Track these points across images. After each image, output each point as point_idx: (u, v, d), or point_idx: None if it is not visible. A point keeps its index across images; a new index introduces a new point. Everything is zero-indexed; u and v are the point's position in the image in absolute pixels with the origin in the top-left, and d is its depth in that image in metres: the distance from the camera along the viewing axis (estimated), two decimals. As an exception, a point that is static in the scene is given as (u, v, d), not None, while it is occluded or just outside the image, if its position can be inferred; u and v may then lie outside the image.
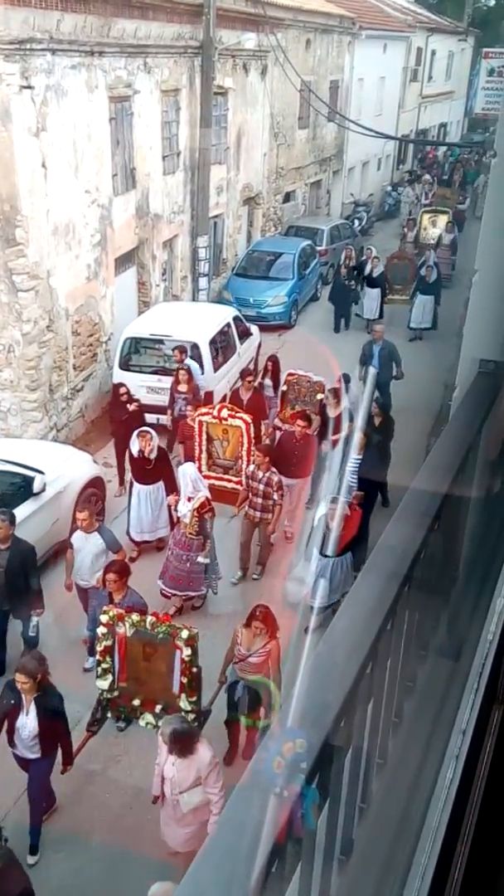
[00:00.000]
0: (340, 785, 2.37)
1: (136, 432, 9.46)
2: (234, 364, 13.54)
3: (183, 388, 11.31)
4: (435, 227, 22.22)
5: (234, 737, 6.99)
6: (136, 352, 12.90)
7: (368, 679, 2.41)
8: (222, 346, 13.26)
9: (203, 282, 17.44)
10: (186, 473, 8.48)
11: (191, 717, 6.16)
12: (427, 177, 31.18)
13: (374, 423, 9.86)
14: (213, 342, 12.84)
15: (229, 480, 10.02)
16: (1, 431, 11.70)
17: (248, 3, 17.55)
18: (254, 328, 14.96)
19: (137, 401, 11.18)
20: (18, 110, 10.49)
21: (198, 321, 13.58)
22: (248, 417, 9.83)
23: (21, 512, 8.93)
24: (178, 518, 8.50)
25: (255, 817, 1.86)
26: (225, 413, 9.88)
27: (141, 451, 9.37)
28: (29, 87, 10.64)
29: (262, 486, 8.96)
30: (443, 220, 22.35)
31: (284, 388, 11.66)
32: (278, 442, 10.16)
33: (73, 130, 11.91)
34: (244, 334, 14.24)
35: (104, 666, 6.48)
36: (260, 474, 8.95)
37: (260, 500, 9.00)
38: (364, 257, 18.12)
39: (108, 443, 12.18)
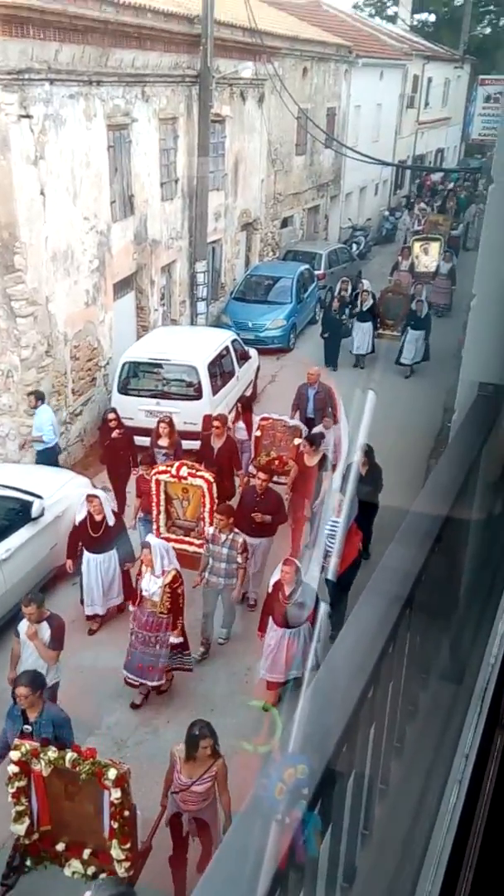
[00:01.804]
0: (343, 811, 2.34)
1: (85, 496, 8.78)
2: (232, 387, 13.57)
3: (164, 442, 10.51)
4: (427, 255, 21.96)
5: (180, 877, 5.87)
6: (134, 376, 12.93)
7: (370, 703, 2.40)
8: (221, 369, 13.29)
9: (201, 306, 17.53)
10: (156, 546, 7.58)
11: (125, 865, 5.38)
12: (422, 205, 31.40)
13: (360, 472, 9.13)
14: (211, 365, 12.87)
15: (190, 543, 9.17)
16: (0, 456, 11.70)
17: (245, 32, 17.80)
18: (252, 351, 15.02)
19: (123, 428, 10.92)
20: (17, 139, 10.61)
21: (196, 345, 13.64)
22: (209, 476, 9.04)
23: (19, 537, 8.93)
24: (142, 596, 7.53)
25: (257, 844, 1.84)
26: (185, 471, 9.07)
27: (89, 516, 8.57)
28: (27, 116, 10.76)
29: (225, 550, 8.16)
30: (435, 247, 22.15)
31: (258, 433, 11.05)
32: (240, 498, 9.37)
33: (72, 158, 12.02)
34: (243, 358, 14.30)
35: (19, 808, 5.52)
36: (222, 537, 8.14)
37: (223, 566, 8.20)
38: (356, 290, 17.73)
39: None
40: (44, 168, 11.25)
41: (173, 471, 9.09)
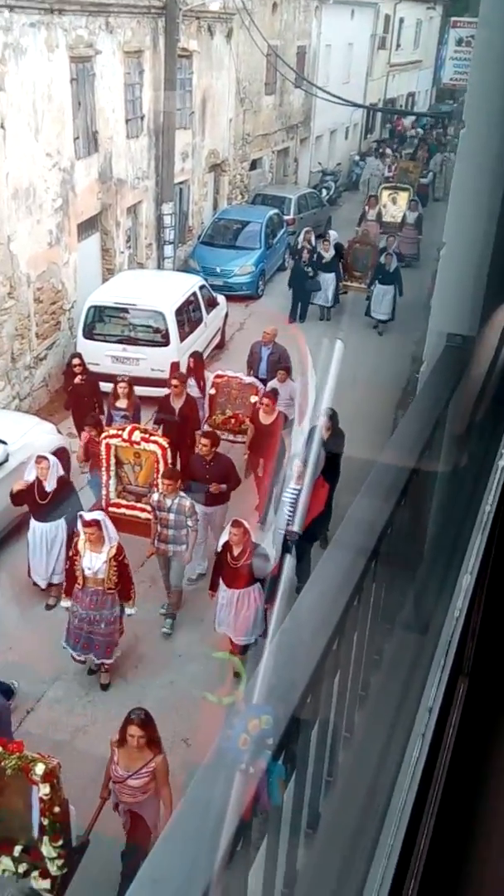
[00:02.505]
0: (307, 759, 2.37)
1: (34, 457, 8.22)
2: (200, 334, 13.41)
3: (122, 403, 9.94)
4: (395, 205, 21.38)
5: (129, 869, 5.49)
6: (100, 320, 12.71)
7: (335, 654, 2.41)
8: (188, 315, 13.12)
9: (168, 250, 17.21)
10: (103, 520, 7.18)
11: (58, 863, 5.09)
12: (388, 150, 30.86)
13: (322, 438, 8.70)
14: (178, 311, 12.69)
15: (142, 510, 8.73)
16: (-39, 401, 11.50)
17: (215, -37, 17.17)
18: (220, 298, 14.82)
19: (86, 373, 10.68)
20: (-23, 69, 10.19)
21: (163, 289, 13.42)
22: (163, 441, 8.71)
23: (-17, 482, 8.82)
24: (85, 577, 7.08)
25: (221, 795, 1.85)
26: (137, 436, 8.66)
27: (37, 481, 8.08)
28: (-12, 45, 10.32)
29: (172, 516, 7.82)
30: (403, 196, 21.55)
31: (213, 391, 10.62)
32: (188, 466, 9.02)
33: (33, 91, 11.59)
34: (211, 304, 14.11)
35: None
36: (168, 501, 7.81)
37: (171, 532, 7.88)
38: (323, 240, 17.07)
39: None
40: (4, 100, 10.84)
41: (125, 435, 8.68)
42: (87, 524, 7.04)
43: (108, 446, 8.80)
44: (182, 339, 12.56)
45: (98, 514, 7.26)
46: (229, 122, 20.57)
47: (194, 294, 13.50)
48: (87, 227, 14.17)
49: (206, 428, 10.28)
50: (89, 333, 12.58)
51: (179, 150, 17.18)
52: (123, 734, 5.25)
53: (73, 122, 12.97)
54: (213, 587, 7.52)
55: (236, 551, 7.14)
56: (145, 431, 8.83)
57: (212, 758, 2.06)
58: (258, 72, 21.86)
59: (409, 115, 39.63)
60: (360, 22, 30.18)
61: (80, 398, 10.61)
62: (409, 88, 40.69)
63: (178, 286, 13.66)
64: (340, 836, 2.42)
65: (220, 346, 14.69)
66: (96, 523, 7.00)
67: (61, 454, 9.91)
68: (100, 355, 12.13)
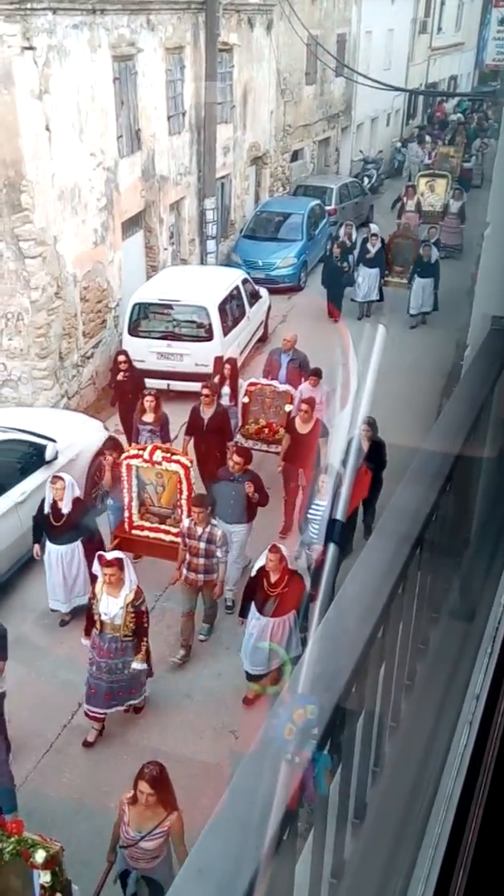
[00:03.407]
0: (353, 749, 2.36)
1: (50, 478, 8.03)
2: (243, 328, 13.42)
3: (148, 417, 9.47)
4: (434, 193, 20.84)
5: None
6: (144, 317, 12.80)
7: (380, 643, 2.39)
8: (232, 309, 13.13)
9: (211, 244, 17.23)
10: (126, 560, 6.74)
11: None
12: (427, 137, 30.33)
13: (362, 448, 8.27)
14: (222, 306, 12.71)
15: (167, 532, 8.42)
16: (12, 400, 11.68)
17: (252, -46, 17.10)
18: (263, 291, 14.80)
19: (131, 370, 10.69)
20: (20, 72, 10.29)
21: (206, 285, 13.44)
22: (185, 461, 8.33)
23: (34, 480, 8.95)
24: (102, 621, 6.59)
25: (267, 785, 1.84)
26: (158, 456, 8.24)
27: (53, 502, 7.81)
28: (30, 48, 10.43)
29: (202, 544, 7.46)
30: (441, 184, 20.99)
31: (246, 399, 10.23)
32: (213, 483, 8.58)
33: (77, 92, 11.69)
34: (253, 297, 14.10)
35: None
36: (199, 530, 7.44)
37: (202, 561, 7.49)
38: (363, 235, 16.62)
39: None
40: (49, 102, 10.95)
41: (146, 455, 8.29)
42: (106, 564, 6.50)
43: (128, 467, 8.42)
44: (226, 333, 12.58)
45: (120, 554, 6.84)
46: (270, 114, 20.50)
47: (237, 288, 13.50)
48: (130, 225, 14.26)
49: (238, 437, 10.02)
50: (134, 330, 12.68)
51: (221, 145, 17.18)
52: (136, 788, 4.85)
53: (116, 121, 13.06)
54: (244, 613, 7.12)
55: (273, 578, 6.76)
56: (167, 451, 8.43)
57: (257, 747, 2.06)
58: (298, 62, 21.73)
59: (451, 95, 38.96)
60: (400, 7, 29.80)
61: (124, 394, 10.71)
62: (451, 72, 40.08)
63: (221, 281, 13.67)
64: (387, 825, 2.40)
65: (264, 339, 14.66)
66: (118, 563, 6.52)
67: (116, 445, 9.83)
68: (145, 352, 12.22)
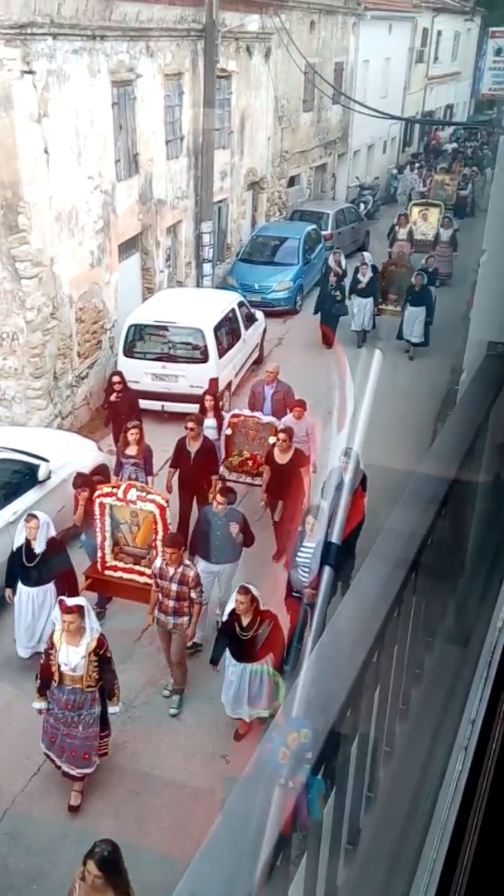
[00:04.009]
0: (347, 773, 2.34)
1: (24, 517, 7.70)
2: (238, 350, 13.47)
3: (132, 450, 9.29)
4: (426, 221, 20.86)
5: None
6: (140, 339, 12.84)
7: (375, 667, 2.38)
8: (227, 332, 13.18)
9: (207, 268, 17.33)
10: (86, 607, 6.33)
11: None
12: (418, 165, 30.56)
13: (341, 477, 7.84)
14: (217, 328, 12.76)
15: (140, 573, 8.12)
16: (6, 419, 11.67)
17: (251, -16, 17.36)
18: (259, 314, 14.88)
19: (125, 391, 10.68)
20: (20, 96, 10.39)
21: (202, 307, 13.50)
22: (161, 500, 7.95)
23: (26, 499, 8.93)
24: (60, 673, 6.17)
25: (260, 809, 1.83)
26: (133, 494, 7.91)
27: (26, 542, 7.52)
28: (30, 72, 10.53)
29: (174, 586, 7.10)
30: (434, 213, 21.06)
31: (229, 431, 10.02)
32: (196, 521, 8.38)
33: (76, 116, 11.80)
34: (249, 320, 14.17)
35: None
36: (171, 570, 7.10)
37: (172, 603, 7.13)
38: (356, 264, 16.42)
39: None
40: (47, 126, 11.04)
41: (119, 493, 7.97)
42: (67, 610, 6.16)
43: (101, 505, 8.07)
44: (221, 355, 12.61)
45: (81, 600, 6.46)
46: (267, 140, 20.71)
47: (233, 311, 13.57)
48: (127, 248, 14.34)
49: (221, 470, 9.83)
50: (129, 352, 12.71)
51: (218, 170, 17.33)
52: (83, 869, 4.38)
53: (114, 145, 13.17)
54: (215, 661, 6.97)
55: (245, 621, 6.53)
56: (142, 489, 8.13)
57: (251, 771, 2.04)
58: (296, 89, 22.00)
59: (448, 125, 39.45)
60: (397, 36, 30.25)
61: (118, 415, 10.71)
62: (448, 100, 40.62)
63: (217, 303, 13.74)
64: (381, 851, 2.38)
65: (259, 361, 14.73)
66: (78, 610, 6.16)
67: (102, 471, 10.00)
68: (140, 373, 12.24)
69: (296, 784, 1.95)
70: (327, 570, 6.99)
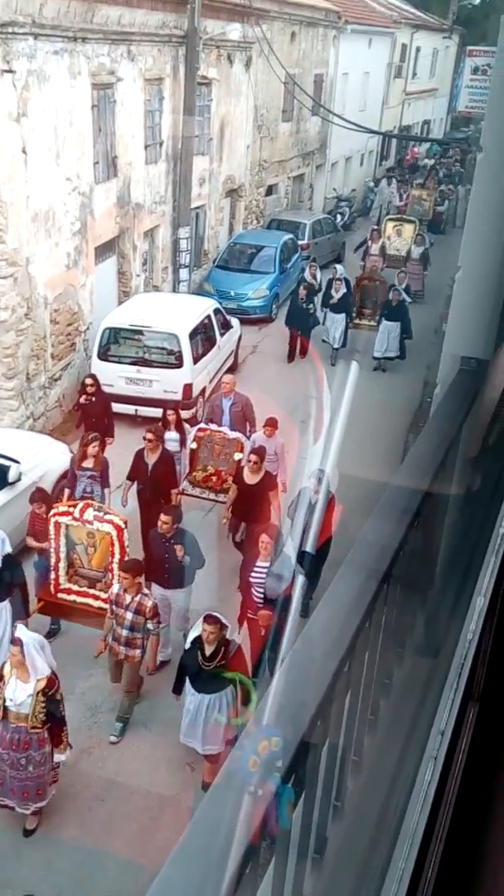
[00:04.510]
0: (316, 782, 2.35)
1: None
2: (213, 356, 13.47)
3: (88, 463, 8.91)
4: (400, 237, 20.87)
5: None
6: (114, 342, 12.80)
7: (346, 676, 2.39)
8: (202, 338, 13.18)
9: (184, 273, 17.33)
10: (29, 643, 5.83)
11: None
12: (396, 179, 30.68)
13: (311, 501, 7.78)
14: (192, 334, 12.76)
15: (95, 597, 7.80)
16: (-24, 420, 11.57)
17: (234, -7, 17.43)
18: (234, 321, 14.90)
19: (98, 394, 10.61)
20: (-1, 94, 10.35)
21: (178, 312, 13.50)
22: (119, 521, 7.59)
23: (-5, 501, 8.85)
24: (5, 708, 5.83)
25: (229, 817, 1.83)
26: (90, 514, 7.58)
27: None
28: (10, 71, 10.49)
29: (129, 615, 6.85)
30: (409, 229, 21.05)
31: (194, 445, 9.74)
32: (147, 545, 8.01)
33: (55, 116, 11.76)
34: (224, 326, 14.18)
35: None
36: (127, 598, 6.85)
37: (125, 633, 6.88)
38: (329, 277, 16.31)
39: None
40: (26, 125, 10.99)
41: (76, 513, 7.62)
42: (15, 642, 5.84)
43: (56, 525, 7.71)
44: (195, 361, 12.62)
45: (26, 636, 5.93)
46: (246, 148, 20.78)
47: (208, 317, 13.58)
48: (104, 251, 14.30)
49: (185, 484, 9.66)
50: (104, 355, 12.67)
51: (197, 176, 17.36)
52: None
53: (93, 147, 13.14)
54: (178, 690, 6.68)
55: (209, 651, 6.26)
56: (99, 509, 7.80)
57: (221, 779, 2.04)
58: (276, 99, 22.11)
59: (424, 140, 39.83)
60: (377, 51, 30.54)
61: (89, 418, 10.65)
62: (425, 116, 41.05)
63: (193, 309, 13.75)
64: (349, 861, 2.39)
65: (233, 368, 14.75)
66: (18, 643, 5.78)
67: (43, 497, 9.62)
68: (114, 376, 12.20)
69: (265, 792, 1.96)
70: (301, 579, 7.03)
